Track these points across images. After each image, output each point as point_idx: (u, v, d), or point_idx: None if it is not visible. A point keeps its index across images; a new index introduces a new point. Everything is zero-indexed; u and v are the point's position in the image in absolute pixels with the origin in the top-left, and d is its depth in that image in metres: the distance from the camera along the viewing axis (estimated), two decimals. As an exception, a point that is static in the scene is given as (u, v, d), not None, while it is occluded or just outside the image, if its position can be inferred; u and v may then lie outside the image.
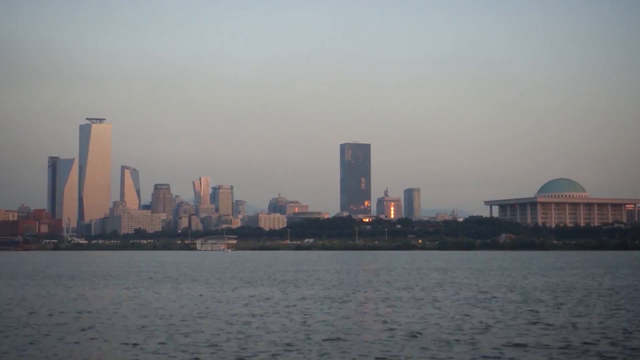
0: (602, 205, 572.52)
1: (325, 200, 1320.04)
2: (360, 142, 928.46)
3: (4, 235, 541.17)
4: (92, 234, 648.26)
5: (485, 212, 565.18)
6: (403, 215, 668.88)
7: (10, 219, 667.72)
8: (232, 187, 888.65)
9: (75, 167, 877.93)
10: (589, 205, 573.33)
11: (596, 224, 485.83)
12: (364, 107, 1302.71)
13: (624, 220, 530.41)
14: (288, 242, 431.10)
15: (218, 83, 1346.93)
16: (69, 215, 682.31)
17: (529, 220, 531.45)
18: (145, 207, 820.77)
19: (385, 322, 40.87)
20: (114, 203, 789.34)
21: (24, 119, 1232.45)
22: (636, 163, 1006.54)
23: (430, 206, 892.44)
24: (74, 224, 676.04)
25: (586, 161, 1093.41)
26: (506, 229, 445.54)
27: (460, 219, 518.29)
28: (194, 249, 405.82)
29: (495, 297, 58.79)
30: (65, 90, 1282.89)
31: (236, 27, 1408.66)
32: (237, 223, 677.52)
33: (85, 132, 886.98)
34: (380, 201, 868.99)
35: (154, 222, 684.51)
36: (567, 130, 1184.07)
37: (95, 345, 32.89)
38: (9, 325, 39.77)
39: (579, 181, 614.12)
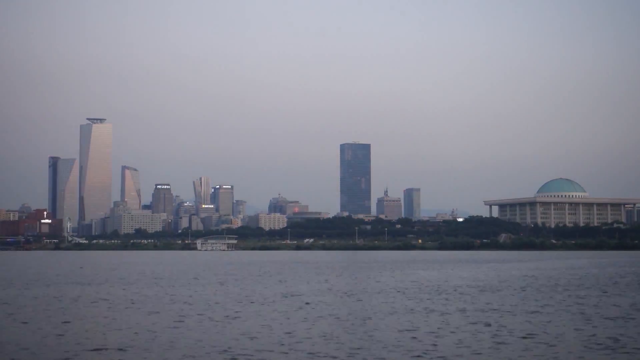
0: (601, 205, 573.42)
1: (325, 200, 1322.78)
2: (360, 142, 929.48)
3: (5, 235, 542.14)
4: (93, 233, 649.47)
5: (485, 212, 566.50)
6: (403, 215, 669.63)
7: (12, 219, 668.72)
8: (232, 187, 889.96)
9: (75, 167, 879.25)
10: (588, 205, 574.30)
11: (595, 224, 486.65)
12: (364, 107, 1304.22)
13: (624, 220, 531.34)
14: (288, 242, 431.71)
15: (218, 83, 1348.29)
16: (69, 215, 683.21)
17: (528, 220, 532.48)
18: (146, 207, 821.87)
19: None
20: (115, 203, 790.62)
21: (25, 119, 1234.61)
22: (636, 163, 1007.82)
23: (430, 206, 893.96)
24: (74, 224, 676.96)
25: (586, 161, 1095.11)
26: (506, 228, 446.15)
27: (460, 219, 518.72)
28: (194, 248, 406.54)
29: None
30: (65, 90, 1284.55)
31: (236, 27, 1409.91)
32: (237, 223, 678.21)
33: (85, 132, 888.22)
34: (380, 201, 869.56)
35: (155, 222, 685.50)
36: (567, 130, 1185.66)
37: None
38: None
39: (578, 181, 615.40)
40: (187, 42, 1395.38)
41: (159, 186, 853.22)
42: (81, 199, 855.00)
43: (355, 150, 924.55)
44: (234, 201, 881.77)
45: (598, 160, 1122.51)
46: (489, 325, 40.42)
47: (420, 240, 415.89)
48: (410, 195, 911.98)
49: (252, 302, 55.39)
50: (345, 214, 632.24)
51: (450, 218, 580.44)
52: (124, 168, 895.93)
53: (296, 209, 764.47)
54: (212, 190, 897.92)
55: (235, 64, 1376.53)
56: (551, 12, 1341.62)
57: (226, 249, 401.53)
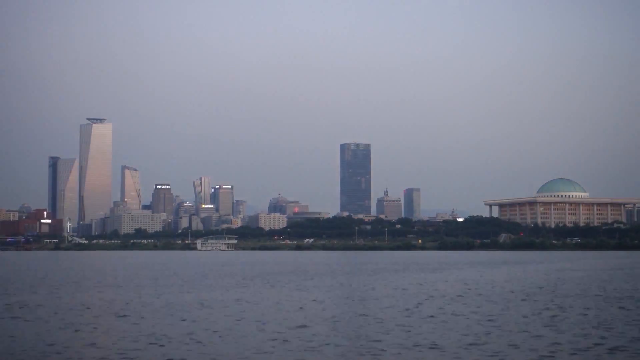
0: (601, 205, 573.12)
1: (325, 200, 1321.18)
2: (360, 142, 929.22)
3: (5, 235, 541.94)
4: (93, 233, 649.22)
5: (485, 212, 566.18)
6: (403, 215, 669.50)
7: (12, 219, 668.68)
8: (232, 187, 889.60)
9: (75, 167, 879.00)
10: (588, 205, 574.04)
11: (596, 224, 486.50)
12: (364, 107, 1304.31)
13: (624, 220, 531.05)
14: (288, 242, 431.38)
15: (218, 83, 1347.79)
16: (69, 215, 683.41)
17: (528, 220, 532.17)
18: (146, 207, 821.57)
19: None
20: (115, 203, 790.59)
21: (25, 119, 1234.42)
22: (636, 163, 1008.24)
23: (430, 206, 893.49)
24: (74, 224, 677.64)
25: (586, 161, 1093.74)
26: (506, 228, 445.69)
27: (460, 219, 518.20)
28: (194, 248, 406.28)
29: None
30: (65, 90, 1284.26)
31: (236, 27, 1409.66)
32: (237, 223, 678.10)
33: (85, 132, 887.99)
34: (380, 201, 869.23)
35: (155, 222, 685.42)
36: (567, 130, 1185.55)
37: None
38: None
39: (578, 181, 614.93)
40: (187, 42, 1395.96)
41: (159, 186, 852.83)
42: (81, 199, 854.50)
43: (355, 150, 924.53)
44: (234, 201, 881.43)
45: (598, 160, 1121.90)
46: None
47: (420, 240, 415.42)
48: (410, 195, 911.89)
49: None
50: (345, 214, 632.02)
51: (450, 218, 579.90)
52: (124, 168, 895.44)
53: (296, 209, 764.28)
54: (212, 190, 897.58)
55: (236, 64, 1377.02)
56: (551, 11, 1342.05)
57: (226, 249, 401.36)
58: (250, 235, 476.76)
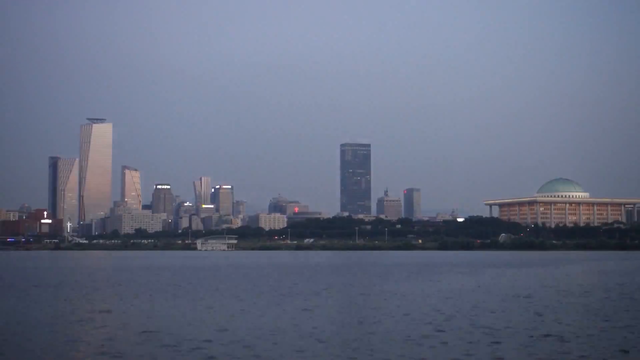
0: (601, 205, 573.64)
1: (325, 200, 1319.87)
2: (360, 142, 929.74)
3: (5, 235, 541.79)
4: (93, 233, 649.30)
5: (485, 212, 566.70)
6: (403, 215, 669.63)
7: (12, 219, 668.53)
8: (232, 187, 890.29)
9: (75, 167, 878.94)
10: (588, 205, 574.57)
11: (596, 224, 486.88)
12: (364, 107, 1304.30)
13: (624, 220, 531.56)
14: (288, 242, 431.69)
15: (218, 83, 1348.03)
16: (69, 215, 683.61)
17: (528, 220, 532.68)
18: (146, 207, 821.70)
19: None
20: (115, 203, 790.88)
21: (25, 118, 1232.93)
22: (636, 163, 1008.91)
23: (430, 206, 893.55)
24: (74, 224, 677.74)
25: (586, 161, 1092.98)
26: (506, 228, 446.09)
27: (460, 219, 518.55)
28: (195, 248, 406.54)
29: None
30: (65, 90, 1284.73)
31: (236, 27, 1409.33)
32: (237, 223, 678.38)
33: (85, 132, 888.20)
34: (380, 201, 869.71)
35: (155, 222, 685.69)
36: (567, 130, 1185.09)
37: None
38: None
39: (579, 181, 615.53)
40: (187, 42, 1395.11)
41: (159, 186, 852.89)
42: (81, 199, 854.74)
43: (355, 150, 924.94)
44: (234, 201, 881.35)
45: (598, 160, 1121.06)
46: None
47: (420, 241, 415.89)
48: (410, 195, 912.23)
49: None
50: (345, 214, 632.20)
51: (450, 218, 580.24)
52: (124, 168, 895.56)
53: (296, 209, 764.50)
54: (212, 190, 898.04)
55: (235, 64, 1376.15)
56: (552, 11, 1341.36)
57: (226, 249, 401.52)
58: (251, 235, 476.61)
